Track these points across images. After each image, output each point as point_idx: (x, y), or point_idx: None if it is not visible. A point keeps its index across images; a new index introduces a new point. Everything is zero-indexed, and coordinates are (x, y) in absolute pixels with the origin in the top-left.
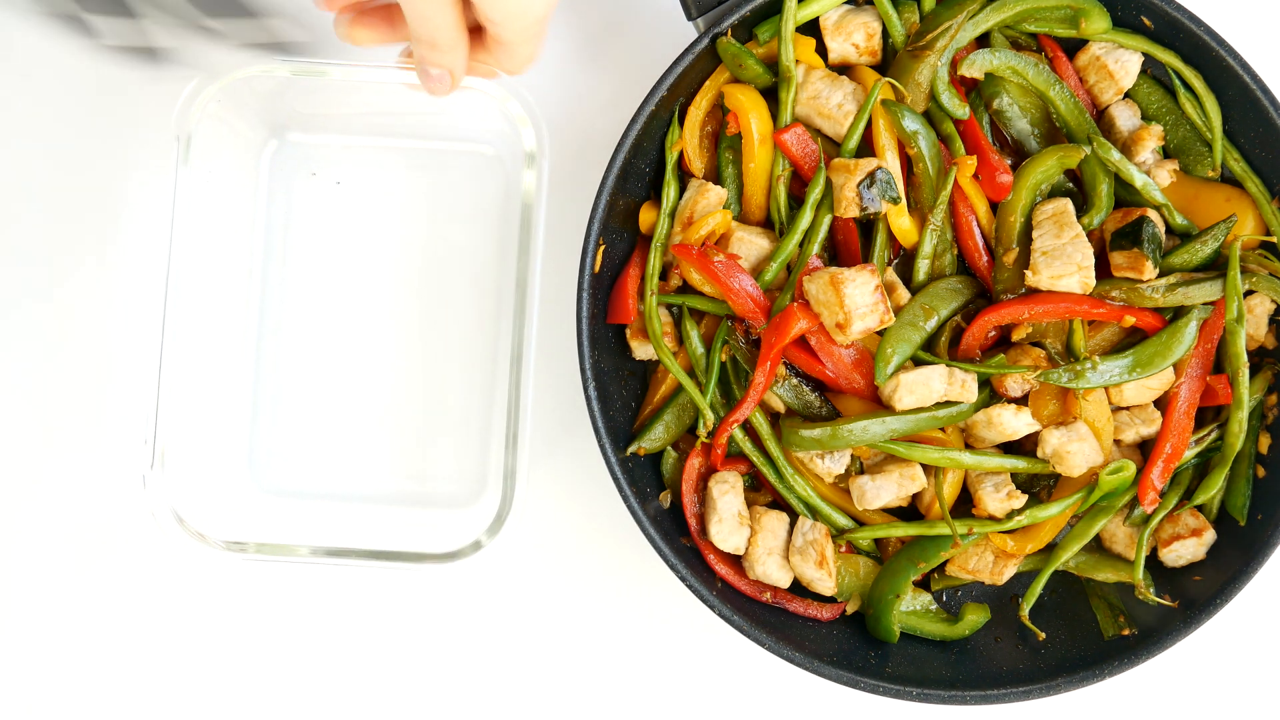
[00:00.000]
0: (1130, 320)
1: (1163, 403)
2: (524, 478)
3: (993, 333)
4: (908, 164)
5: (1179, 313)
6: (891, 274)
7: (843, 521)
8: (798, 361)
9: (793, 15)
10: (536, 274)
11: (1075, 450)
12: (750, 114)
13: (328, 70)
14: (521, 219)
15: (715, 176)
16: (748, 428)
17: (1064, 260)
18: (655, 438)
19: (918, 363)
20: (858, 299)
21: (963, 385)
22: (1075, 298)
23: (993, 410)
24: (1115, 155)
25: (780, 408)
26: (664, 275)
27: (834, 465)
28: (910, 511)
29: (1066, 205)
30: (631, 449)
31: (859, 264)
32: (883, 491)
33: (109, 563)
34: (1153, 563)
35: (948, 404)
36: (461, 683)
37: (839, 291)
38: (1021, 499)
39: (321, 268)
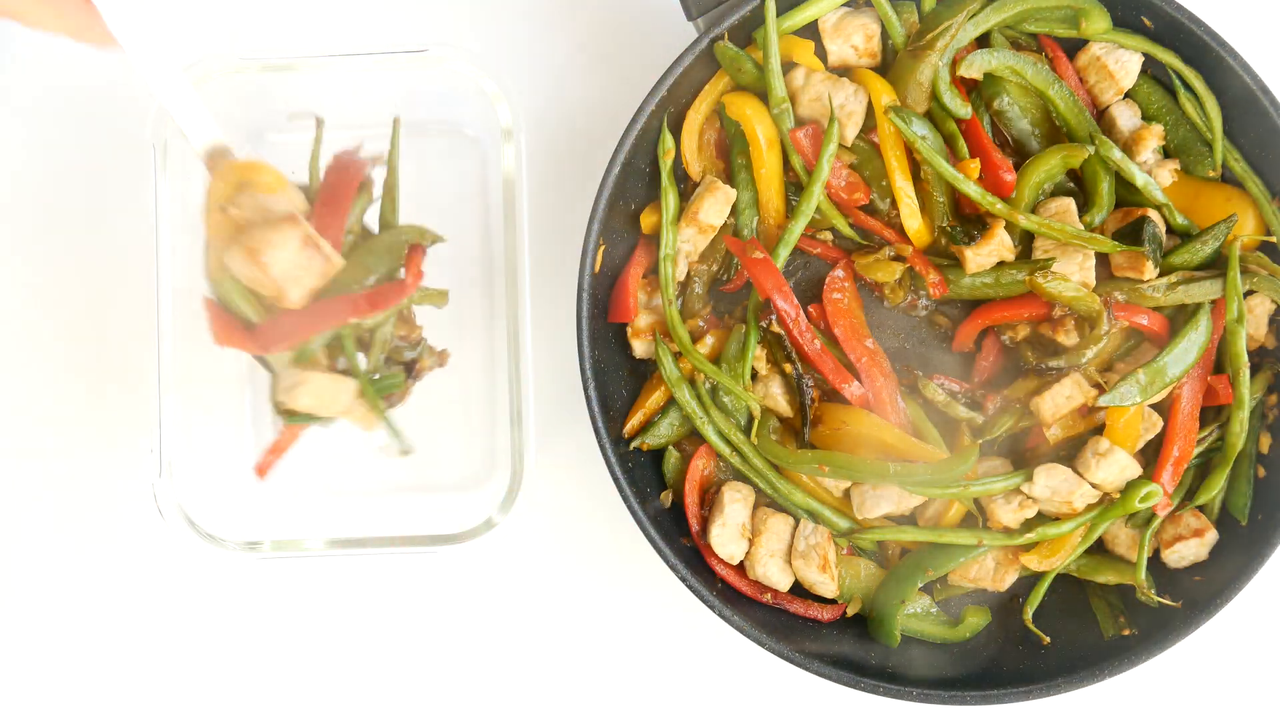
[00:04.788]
0: (1124, 324)
1: (1162, 405)
2: (531, 455)
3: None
4: (915, 166)
5: (1179, 312)
6: None
7: (844, 525)
8: None
9: (774, 24)
10: (525, 249)
11: (1110, 465)
12: (755, 122)
13: (297, 65)
14: (504, 196)
15: (726, 180)
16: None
17: (1065, 259)
18: (660, 435)
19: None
20: None
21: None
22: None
23: None
24: (1117, 154)
25: (787, 412)
26: (653, 271)
27: (842, 481)
28: (907, 520)
29: (1069, 204)
30: (635, 444)
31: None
32: (883, 501)
33: (127, 575)
34: (1153, 563)
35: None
36: (465, 670)
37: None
38: (1034, 508)
39: None
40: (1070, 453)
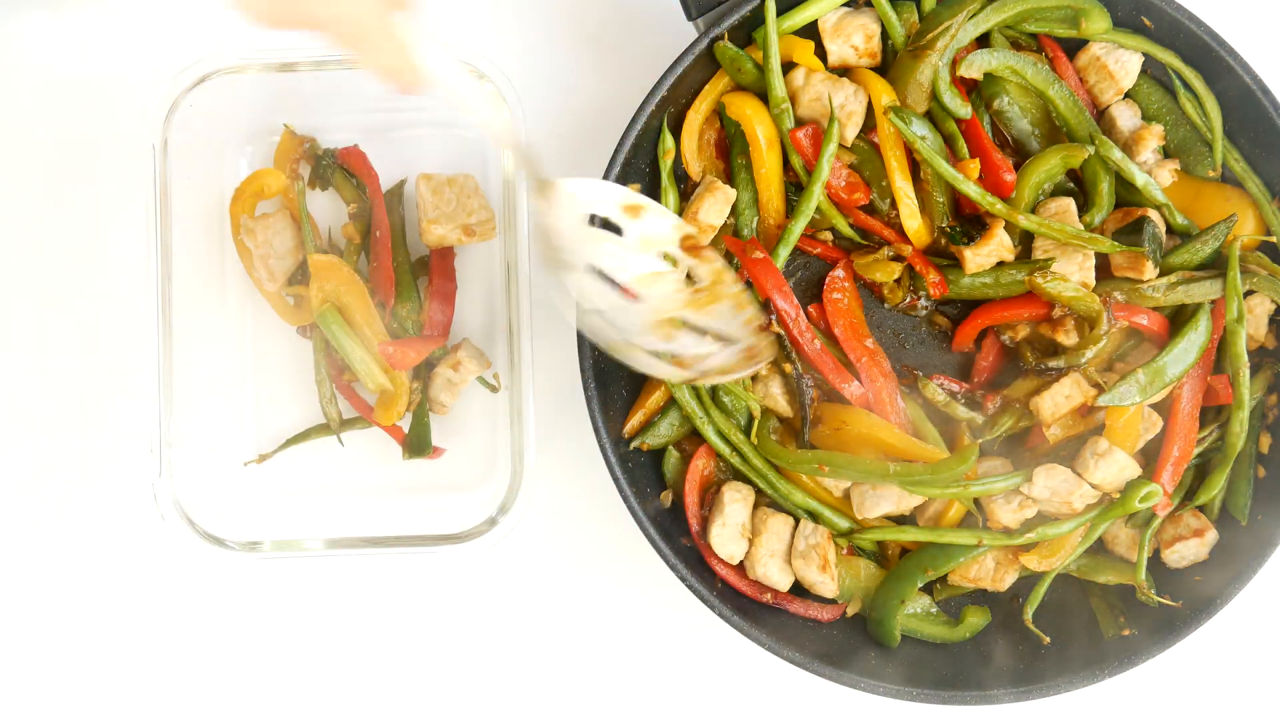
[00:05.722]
0: (1124, 324)
1: (1162, 405)
2: (531, 455)
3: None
4: (915, 166)
5: (1179, 313)
6: None
7: (844, 525)
8: None
9: (774, 24)
10: (525, 249)
11: (1109, 465)
12: (755, 122)
13: (297, 65)
14: (504, 197)
15: (726, 180)
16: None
17: (1065, 259)
18: (660, 435)
19: None
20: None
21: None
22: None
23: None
24: (1117, 154)
25: (787, 412)
26: None
27: (842, 480)
28: (907, 520)
29: (1069, 204)
30: (635, 444)
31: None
32: (883, 501)
33: (127, 575)
34: (1153, 563)
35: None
36: (466, 670)
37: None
38: (1034, 508)
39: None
40: (1070, 453)
